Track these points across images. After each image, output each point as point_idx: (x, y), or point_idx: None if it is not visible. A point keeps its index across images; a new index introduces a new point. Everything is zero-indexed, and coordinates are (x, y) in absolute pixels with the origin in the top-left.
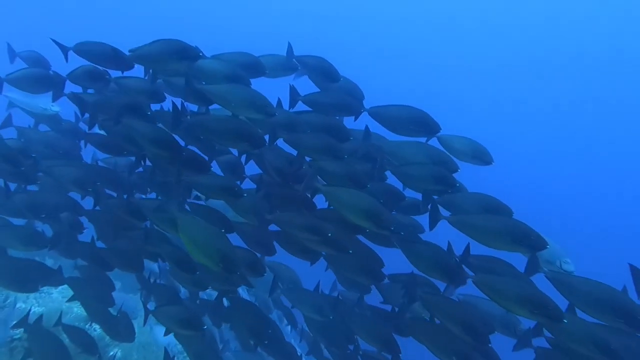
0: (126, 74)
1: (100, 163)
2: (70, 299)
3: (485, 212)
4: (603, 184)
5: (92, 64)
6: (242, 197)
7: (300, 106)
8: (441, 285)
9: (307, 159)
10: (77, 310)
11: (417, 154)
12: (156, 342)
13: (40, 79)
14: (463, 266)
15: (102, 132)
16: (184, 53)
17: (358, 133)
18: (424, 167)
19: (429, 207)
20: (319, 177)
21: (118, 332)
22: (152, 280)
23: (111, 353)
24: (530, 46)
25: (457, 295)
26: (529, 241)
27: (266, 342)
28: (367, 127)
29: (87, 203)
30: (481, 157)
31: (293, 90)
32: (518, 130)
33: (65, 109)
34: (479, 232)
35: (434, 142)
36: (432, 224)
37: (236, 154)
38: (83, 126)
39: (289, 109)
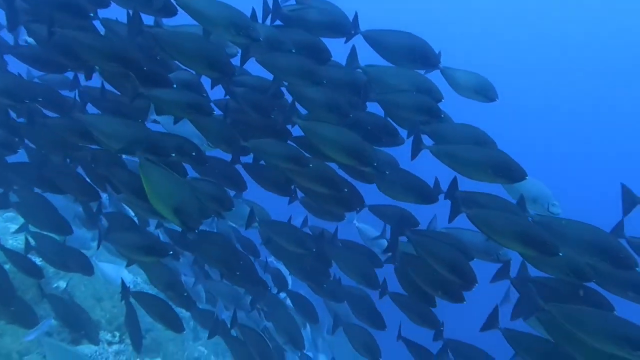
0: None
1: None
2: (19, 230)
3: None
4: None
5: None
6: (211, 115)
7: None
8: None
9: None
10: (13, 242)
11: (401, 81)
12: (104, 276)
13: None
14: (457, 200)
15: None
16: None
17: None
18: (410, 96)
19: (413, 136)
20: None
21: (68, 264)
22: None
23: (55, 285)
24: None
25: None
26: (509, 172)
27: (237, 273)
28: (353, 47)
29: None
30: (485, 93)
31: (267, 2)
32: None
33: None
34: (460, 162)
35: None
36: (414, 153)
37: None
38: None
39: (262, 23)
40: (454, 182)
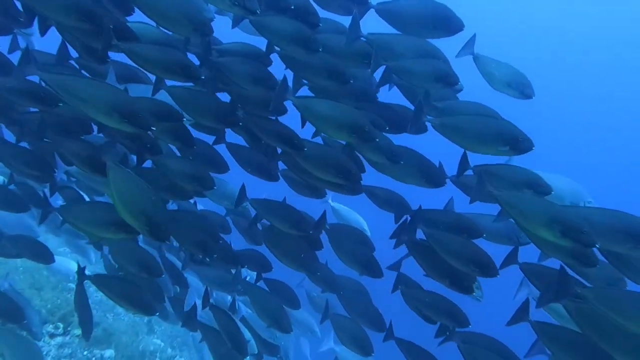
0: None
1: None
2: None
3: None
4: None
5: None
6: (199, 79)
7: None
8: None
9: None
10: None
11: (407, 49)
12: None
13: None
14: (481, 177)
15: None
16: None
17: None
18: (427, 63)
19: (416, 105)
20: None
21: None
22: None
23: None
24: None
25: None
26: (516, 142)
27: (215, 255)
28: (355, 14)
29: None
30: (522, 88)
31: None
32: None
33: None
34: (462, 134)
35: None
36: (415, 123)
37: None
38: None
39: None
40: (464, 160)
